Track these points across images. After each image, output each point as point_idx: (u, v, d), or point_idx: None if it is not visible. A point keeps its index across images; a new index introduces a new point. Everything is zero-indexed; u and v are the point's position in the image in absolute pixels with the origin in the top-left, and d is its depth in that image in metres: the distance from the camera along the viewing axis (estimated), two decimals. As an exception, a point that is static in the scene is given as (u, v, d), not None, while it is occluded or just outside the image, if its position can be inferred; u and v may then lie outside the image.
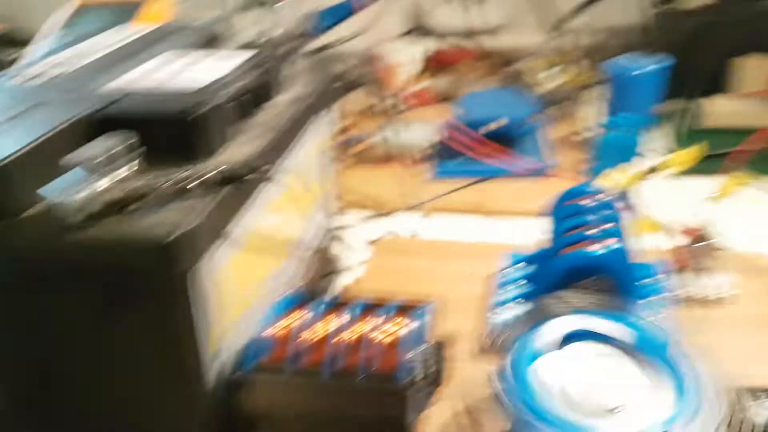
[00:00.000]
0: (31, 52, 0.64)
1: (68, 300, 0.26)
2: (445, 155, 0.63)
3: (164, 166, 0.27)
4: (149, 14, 0.68)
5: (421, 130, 0.65)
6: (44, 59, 0.38)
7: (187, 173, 0.26)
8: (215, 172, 0.26)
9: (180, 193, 0.25)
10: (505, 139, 0.61)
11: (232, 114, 0.32)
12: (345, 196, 0.51)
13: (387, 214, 0.57)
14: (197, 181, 0.25)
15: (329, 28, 0.73)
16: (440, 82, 0.80)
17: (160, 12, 0.69)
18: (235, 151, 0.30)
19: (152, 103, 0.30)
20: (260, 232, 0.32)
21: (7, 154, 0.25)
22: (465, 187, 0.58)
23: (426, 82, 0.79)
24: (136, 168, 0.26)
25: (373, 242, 0.53)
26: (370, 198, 0.59)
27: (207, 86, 0.32)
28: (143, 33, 0.43)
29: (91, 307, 0.26)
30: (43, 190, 0.24)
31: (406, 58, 0.79)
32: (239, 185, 0.27)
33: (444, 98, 0.76)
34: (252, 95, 0.33)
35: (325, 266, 0.43)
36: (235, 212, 0.29)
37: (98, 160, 0.25)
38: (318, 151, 0.41)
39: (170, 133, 0.29)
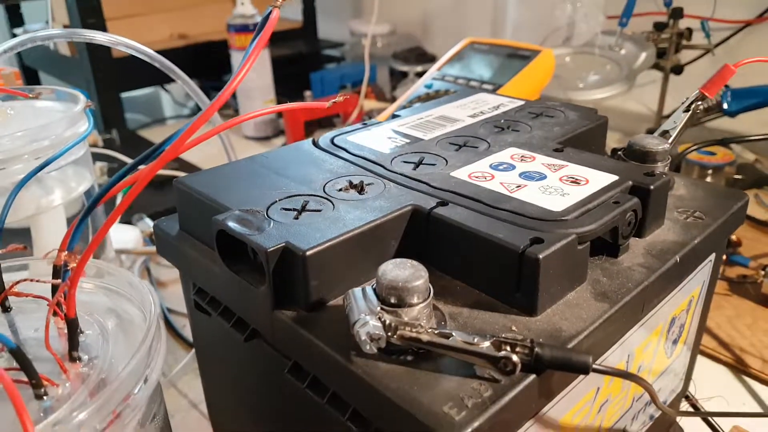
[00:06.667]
0: (418, 84, 0.71)
1: (332, 422, 0.21)
2: None
3: (463, 302, 0.22)
4: (537, 69, 0.65)
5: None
6: (411, 114, 0.37)
7: (491, 339, 0.19)
8: (527, 349, 0.19)
9: (481, 358, 0.19)
10: None
11: (582, 259, 0.23)
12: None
13: (756, 377, 0.42)
14: (505, 357, 0.19)
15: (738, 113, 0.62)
16: None
17: (546, 70, 0.65)
18: (566, 315, 0.22)
19: (478, 220, 0.23)
20: (578, 413, 0.24)
21: (330, 237, 0.22)
22: None
23: None
24: (428, 302, 0.20)
25: None
26: (733, 348, 0.44)
27: (558, 213, 0.24)
28: (505, 110, 0.37)
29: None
30: (352, 292, 0.20)
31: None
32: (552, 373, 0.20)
33: None
34: (617, 231, 0.24)
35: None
36: (545, 401, 0.21)
37: (410, 287, 0.20)
38: (687, 304, 0.30)
39: (493, 265, 0.22)
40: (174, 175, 0.76)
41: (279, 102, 0.98)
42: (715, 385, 0.42)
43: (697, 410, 0.39)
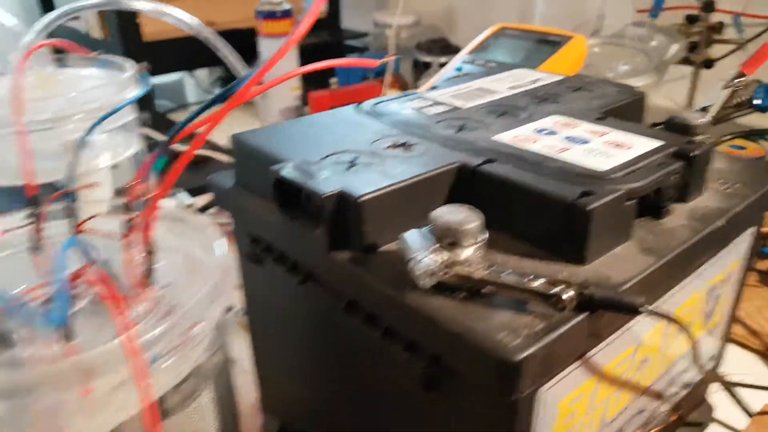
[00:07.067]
0: (449, 66, 0.69)
1: (386, 355, 0.23)
2: None
3: (512, 252, 0.23)
4: (568, 55, 0.64)
5: None
6: (449, 86, 0.37)
7: (544, 278, 0.20)
8: (577, 290, 0.20)
9: (533, 295, 0.20)
10: None
11: (628, 215, 0.24)
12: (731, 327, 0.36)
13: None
14: (557, 294, 0.19)
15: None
16: None
17: (578, 56, 0.64)
18: (613, 266, 0.23)
19: (526, 175, 0.24)
20: (619, 364, 0.25)
21: (382, 186, 0.23)
22: None
23: None
24: (481, 245, 0.21)
25: (757, 414, 0.37)
26: (763, 336, 0.45)
27: (604, 172, 0.24)
28: (543, 83, 0.38)
29: (404, 377, 0.22)
30: (408, 233, 0.21)
31: None
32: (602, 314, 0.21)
33: None
34: (661, 193, 0.25)
35: (695, 413, 0.34)
36: (592, 342, 0.22)
37: (464, 228, 0.20)
38: (726, 275, 0.31)
39: (543, 217, 0.23)
40: (206, 155, 0.77)
41: (305, 90, 0.99)
42: (744, 371, 0.43)
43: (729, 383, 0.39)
